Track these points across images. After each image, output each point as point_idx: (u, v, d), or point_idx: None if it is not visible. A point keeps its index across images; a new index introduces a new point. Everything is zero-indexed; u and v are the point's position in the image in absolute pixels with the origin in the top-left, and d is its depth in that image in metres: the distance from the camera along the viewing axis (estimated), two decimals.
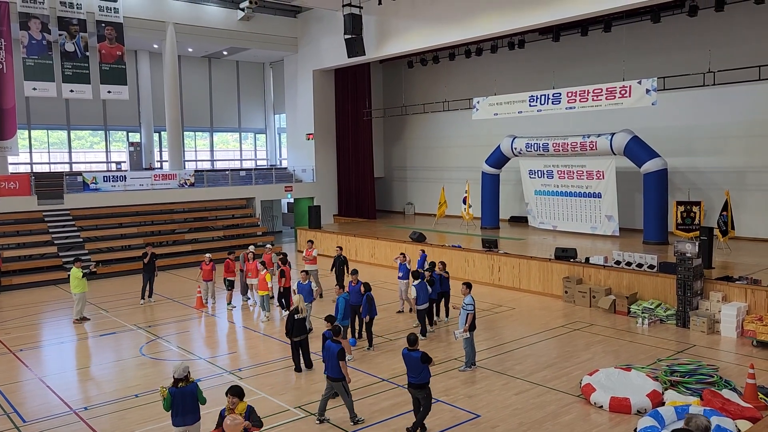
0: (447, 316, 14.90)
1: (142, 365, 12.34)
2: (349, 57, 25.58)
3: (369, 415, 9.60)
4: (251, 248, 17.45)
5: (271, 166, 35.12)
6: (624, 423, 9.17)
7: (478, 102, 23.47)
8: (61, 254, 21.96)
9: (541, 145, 23.12)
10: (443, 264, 14.78)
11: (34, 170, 27.69)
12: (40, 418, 9.77)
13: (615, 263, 16.34)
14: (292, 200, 31.70)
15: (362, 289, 12.89)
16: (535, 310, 16.07)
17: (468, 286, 11.83)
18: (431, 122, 30.70)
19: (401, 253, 15.80)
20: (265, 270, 15.48)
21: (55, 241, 22.53)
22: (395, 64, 31.69)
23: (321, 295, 17.59)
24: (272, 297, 16.74)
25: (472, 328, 11.50)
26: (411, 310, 15.11)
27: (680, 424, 8.25)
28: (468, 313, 11.35)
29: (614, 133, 21.03)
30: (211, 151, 34.63)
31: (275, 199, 32.03)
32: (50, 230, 22.90)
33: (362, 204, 30.89)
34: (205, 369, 11.95)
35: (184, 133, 31.31)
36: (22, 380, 11.58)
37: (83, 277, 15.50)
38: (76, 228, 23.45)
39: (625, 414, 9.43)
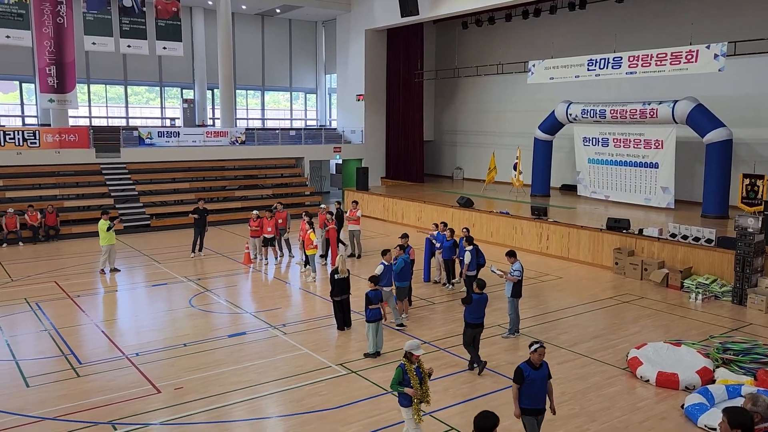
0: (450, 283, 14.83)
1: (192, 316, 12.70)
2: (402, 17, 25.09)
3: None
4: (323, 207, 17.99)
5: (320, 126, 35.16)
6: (671, 398, 8.94)
7: (533, 65, 22.74)
8: (117, 206, 22.68)
9: (597, 112, 22.32)
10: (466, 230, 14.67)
11: (93, 124, 28.49)
12: (95, 361, 10.21)
13: (670, 236, 15.78)
14: (340, 161, 31.74)
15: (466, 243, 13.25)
16: (583, 281, 15.75)
17: (511, 254, 11.62)
18: (484, 86, 30.00)
19: (442, 222, 15.40)
20: (311, 229, 15.60)
21: (112, 194, 23.26)
22: (449, 25, 30.94)
23: (359, 256, 17.67)
24: (323, 255, 16.95)
25: (517, 295, 11.35)
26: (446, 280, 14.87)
27: (729, 403, 7.99)
28: (514, 280, 11.19)
29: (677, 101, 20.08)
30: (262, 109, 34.86)
31: (324, 160, 32.15)
32: (107, 183, 23.63)
33: (410, 167, 30.68)
34: (252, 323, 12.21)
35: (236, 91, 31.55)
36: (79, 324, 12.10)
37: (108, 230, 15.89)
38: (131, 181, 24.13)
39: (673, 390, 9.18)
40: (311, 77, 35.81)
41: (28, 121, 27.93)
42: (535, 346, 6.93)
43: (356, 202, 18.44)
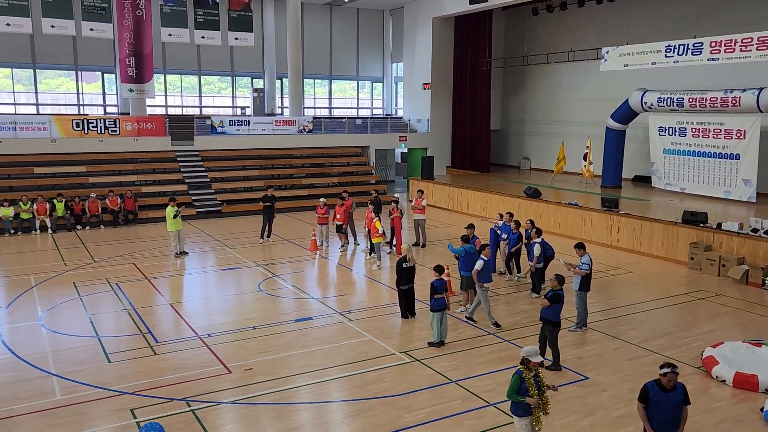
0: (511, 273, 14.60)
1: (260, 300, 13.07)
2: (470, 3, 24.75)
3: (473, 366, 9.61)
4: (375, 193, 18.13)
5: (386, 115, 35.26)
6: (749, 401, 8.54)
7: (607, 52, 21.95)
8: (190, 192, 23.54)
9: (675, 100, 21.35)
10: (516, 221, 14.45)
11: (168, 113, 29.61)
12: (170, 340, 10.69)
13: (751, 231, 14.98)
14: (405, 150, 31.76)
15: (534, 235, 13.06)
16: (656, 276, 15.19)
17: (580, 247, 11.35)
18: (554, 73, 29.23)
19: (508, 213, 15.13)
20: (377, 218, 15.71)
21: (186, 180, 24.16)
22: (518, 12, 30.28)
23: (424, 245, 17.67)
24: (388, 242, 17.07)
25: (585, 288, 11.09)
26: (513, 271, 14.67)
27: None
28: (583, 273, 10.94)
29: (762, 88, 18.95)
30: (329, 98, 35.27)
31: (389, 149, 32.24)
32: (181, 169, 24.56)
33: (476, 156, 30.34)
34: (317, 308, 12.46)
35: (304, 80, 32.02)
36: (155, 305, 12.69)
37: (174, 217, 16.46)
38: (204, 168, 24.98)
39: (751, 391, 8.76)
40: (378, 66, 35.91)
41: (109, 110, 29.33)
42: (665, 370, 6.12)
43: (422, 191, 18.42)
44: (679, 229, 16.31)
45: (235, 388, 8.82)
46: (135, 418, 7.95)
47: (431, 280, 10.57)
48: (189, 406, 8.27)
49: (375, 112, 36.42)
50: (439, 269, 10.64)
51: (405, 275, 11.53)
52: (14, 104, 27.67)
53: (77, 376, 9.13)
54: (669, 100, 21.54)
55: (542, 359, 6.61)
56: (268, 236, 18.63)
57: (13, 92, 27.77)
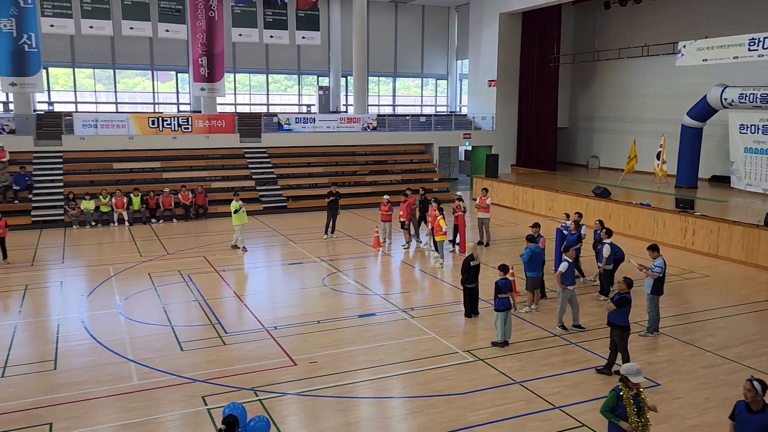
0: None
1: (324, 295, 13.26)
2: None
3: (539, 368, 9.43)
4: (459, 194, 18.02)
5: (450, 112, 35.05)
6: None
7: (684, 46, 21.04)
8: (257, 188, 24.14)
9: (758, 96, 20.23)
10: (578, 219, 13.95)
11: (237, 110, 30.45)
12: (238, 331, 11.00)
13: None
14: (469, 148, 31.47)
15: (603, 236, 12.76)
16: (734, 281, 14.46)
17: (654, 249, 10.93)
18: (626, 69, 28.25)
19: (576, 213, 14.67)
20: (440, 216, 15.65)
21: (253, 176, 24.79)
22: (589, 6, 29.43)
23: (488, 244, 17.47)
24: (451, 240, 16.97)
25: (658, 292, 10.69)
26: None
27: None
28: (655, 276, 10.54)
29: None
30: (393, 96, 35.36)
31: (453, 146, 32.03)
32: (249, 165, 25.21)
33: (542, 155, 29.74)
34: (379, 305, 12.52)
35: (369, 77, 32.21)
36: (223, 297, 13.08)
37: (236, 212, 16.82)
38: (270, 165, 25.55)
39: None
40: (442, 63, 35.74)
41: (181, 108, 30.45)
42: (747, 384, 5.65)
43: (486, 190, 18.21)
44: (761, 232, 15.47)
45: (300, 380, 8.99)
46: (206, 405, 8.22)
47: (495, 279, 10.44)
48: (257, 395, 8.48)
49: (439, 109, 36.27)
50: (504, 268, 10.49)
51: (471, 274, 11.44)
52: (95, 103, 29.14)
53: (153, 362, 9.53)
54: (752, 96, 20.43)
55: (643, 378, 6.12)
56: (332, 232, 18.86)
57: (95, 91, 29.25)
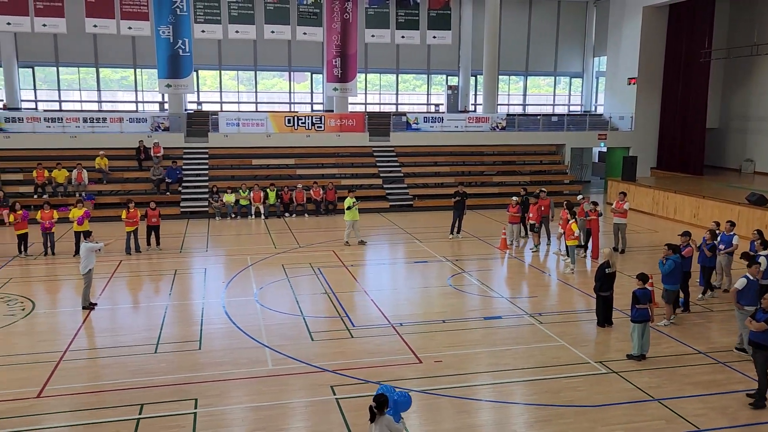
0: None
1: (448, 294, 13.19)
2: None
3: (681, 386, 8.74)
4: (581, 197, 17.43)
5: (584, 112, 33.55)
6: None
7: None
8: (384, 186, 24.55)
9: None
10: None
11: (367, 110, 31.16)
12: (365, 325, 11.23)
13: None
14: (605, 149, 29.94)
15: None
16: None
17: None
18: None
19: (728, 222, 13.42)
20: (573, 220, 15.02)
21: (381, 174, 25.24)
22: None
23: (623, 251, 16.48)
24: (582, 246, 16.24)
25: None
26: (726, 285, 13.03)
27: None
28: None
29: None
30: (524, 95, 34.47)
31: (586, 147, 30.64)
32: (377, 163, 25.70)
33: (687, 157, 27.63)
34: (506, 308, 12.24)
35: (499, 76, 31.66)
36: (351, 291, 13.42)
37: (349, 208, 17.01)
38: (398, 163, 25.88)
39: None
40: (577, 61, 34.28)
41: (315, 107, 31.69)
42: None
43: (624, 194, 17.19)
44: None
45: (424, 378, 9.00)
46: (334, 394, 8.47)
47: (631, 288, 9.83)
48: None
49: (572, 108, 34.84)
50: (642, 278, 9.83)
51: (606, 281, 10.86)
52: (238, 102, 31.12)
53: (285, 349, 9.99)
54: None
55: None
56: (458, 232, 18.72)
57: (238, 92, 31.24)
